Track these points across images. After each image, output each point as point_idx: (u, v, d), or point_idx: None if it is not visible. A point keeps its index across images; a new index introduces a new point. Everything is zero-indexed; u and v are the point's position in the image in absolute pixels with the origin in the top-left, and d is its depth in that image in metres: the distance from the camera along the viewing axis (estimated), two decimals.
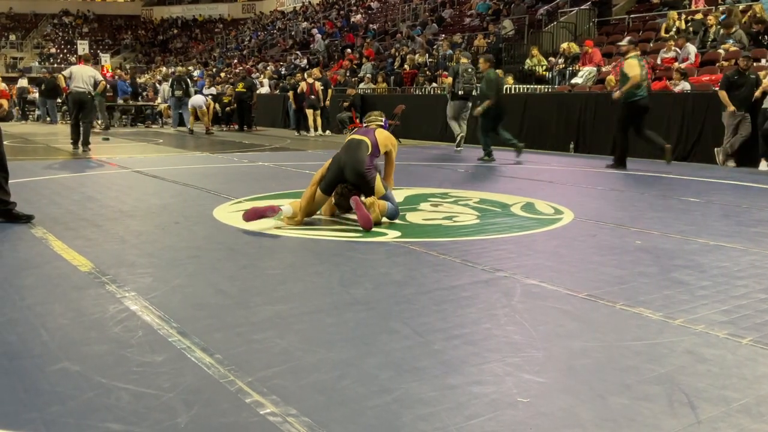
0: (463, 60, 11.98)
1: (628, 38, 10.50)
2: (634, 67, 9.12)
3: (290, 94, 17.39)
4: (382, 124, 5.66)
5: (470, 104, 11.64)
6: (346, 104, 16.05)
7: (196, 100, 17.43)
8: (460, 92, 11.57)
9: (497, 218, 5.40)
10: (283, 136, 16.24)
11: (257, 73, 24.46)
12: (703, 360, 2.51)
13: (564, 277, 3.64)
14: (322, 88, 16.54)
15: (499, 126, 10.59)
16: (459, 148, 11.97)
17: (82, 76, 11.08)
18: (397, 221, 5.17)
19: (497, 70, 13.10)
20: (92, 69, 11.97)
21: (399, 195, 6.40)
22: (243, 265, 3.87)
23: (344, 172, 5.10)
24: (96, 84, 11.41)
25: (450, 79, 11.92)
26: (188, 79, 19.13)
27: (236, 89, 18.71)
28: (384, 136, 5.45)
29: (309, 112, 16.37)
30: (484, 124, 10.57)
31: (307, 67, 22.03)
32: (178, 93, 17.55)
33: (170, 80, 18.91)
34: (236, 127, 18.79)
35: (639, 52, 9.85)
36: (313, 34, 27.44)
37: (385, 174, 5.68)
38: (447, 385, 2.26)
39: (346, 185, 5.12)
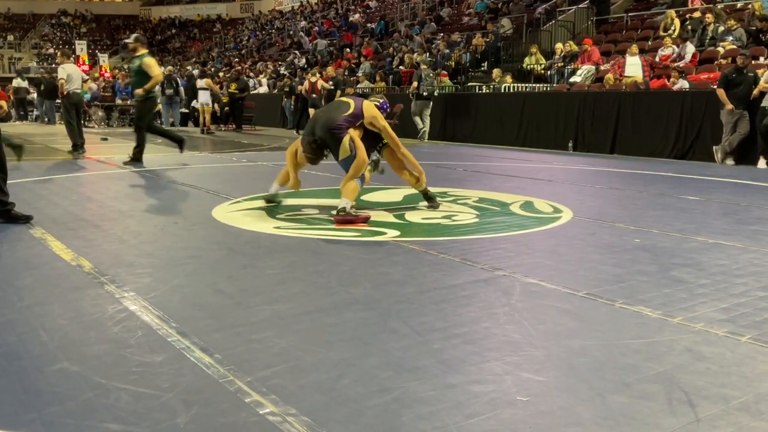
0: (423, 66, 14.37)
1: (134, 35, 10.12)
2: (154, 66, 9.40)
3: (299, 89, 17.18)
4: (378, 105, 5.61)
5: (431, 103, 14.02)
6: None
7: (204, 97, 17.28)
8: (424, 93, 13.90)
9: (496, 217, 5.40)
10: (282, 135, 16.22)
11: (252, 73, 24.40)
12: (703, 358, 2.51)
13: (563, 275, 3.64)
14: (332, 87, 15.75)
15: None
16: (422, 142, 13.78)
17: (78, 77, 11.06)
18: (396, 220, 5.19)
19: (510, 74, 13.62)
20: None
21: (398, 194, 6.41)
22: (242, 265, 3.87)
23: (316, 127, 5.25)
24: (82, 83, 11.39)
25: (415, 83, 14.07)
26: (178, 79, 19.08)
27: (229, 90, 18.61)
28: (372, 110, 5.39)
29: (311, 111, 16.21)
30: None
31: (306, 66, 22.01)
32: (168, 92, 17.48)
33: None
34: (234, 126, 18.76)
35: (148, 50, 9.90)
36: (301, 36, 27.43)
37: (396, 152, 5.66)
38: (446, 384, 2.26)
39: (315, 140, 5.23)
